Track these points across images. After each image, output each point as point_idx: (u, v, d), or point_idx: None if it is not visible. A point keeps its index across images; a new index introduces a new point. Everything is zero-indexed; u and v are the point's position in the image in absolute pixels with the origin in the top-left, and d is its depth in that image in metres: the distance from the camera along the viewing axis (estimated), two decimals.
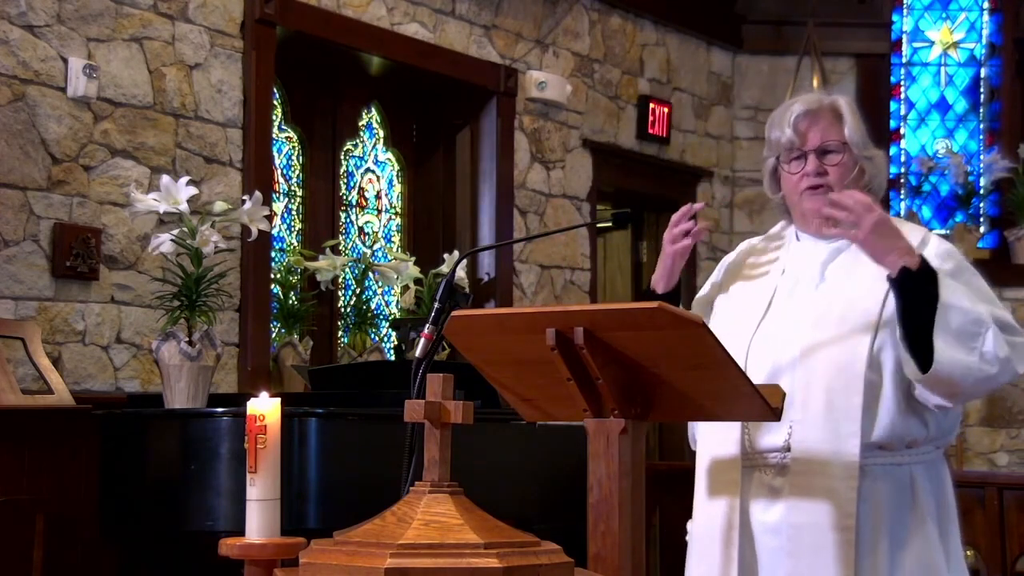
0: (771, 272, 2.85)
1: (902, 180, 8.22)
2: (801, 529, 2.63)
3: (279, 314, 5.27)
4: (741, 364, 2.55)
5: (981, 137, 8.28)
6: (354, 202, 6.02)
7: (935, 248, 2.72)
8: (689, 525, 2.87)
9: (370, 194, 6.12)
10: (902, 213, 8.14)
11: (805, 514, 2.64)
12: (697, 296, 3.00)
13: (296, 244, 5.67)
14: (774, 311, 2.76)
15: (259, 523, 2.12)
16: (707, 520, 2.76)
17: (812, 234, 2.84)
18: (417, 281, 5.52)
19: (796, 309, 2.73)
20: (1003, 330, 2.62)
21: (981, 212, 8.15)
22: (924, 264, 2.57)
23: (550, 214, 6.52)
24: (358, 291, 5.75)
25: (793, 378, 2.65)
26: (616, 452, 2.25)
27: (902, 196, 8.21)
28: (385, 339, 5.92)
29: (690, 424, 2.89)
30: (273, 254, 5.30)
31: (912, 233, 2.77)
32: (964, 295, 2.59)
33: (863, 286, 2.70)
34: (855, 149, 2.78)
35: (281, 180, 5.63)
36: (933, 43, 8.36)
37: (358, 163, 6.07)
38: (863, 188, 2.78)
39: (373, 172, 6.15)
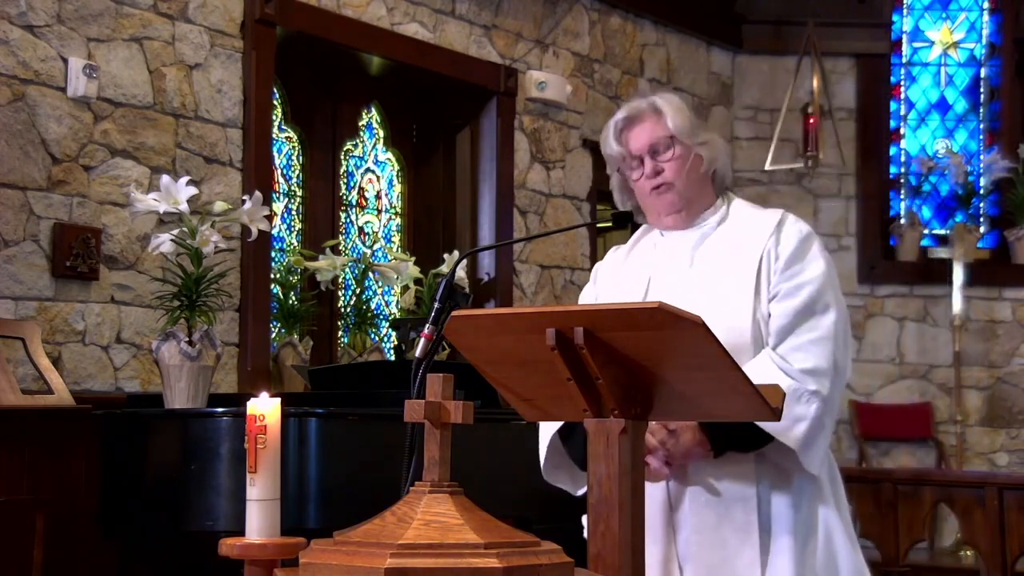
0: (643, 266, 2.89)
1: (902, 180, 8.23)
2: (702, 503, 2.66)
3: (279, 314, 5.27)
4: None
5: (981, 137, 8.29)
6: (354, 202, 6.03)
7: (786, 232, 2.76)
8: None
9: (370, 194, 6.12)
10: (902, 213, 8.14)
11: (706, 491, 2.66)
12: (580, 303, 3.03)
13: (296, 244, 5.67)
14: (650, 297, 2.79)
15: (259, 523, 2.12)
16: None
17: (673, 228, 2.87)
18: (417, 281, 5.52)
19: (671, 291, 2.75)
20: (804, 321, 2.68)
21: (981, 212, 8.16)
22: (713, 426, 2.60)
23: (550, 214, 6.52)
24: (358, 291, 5.75)
25: None
26: (616, 452, 2.25)
27: (902, 196, 8.21)
28: (385, 339, 5.92)
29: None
30: (273, 254, 5.30)
31: (770, 211, 2.83)
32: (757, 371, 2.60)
33: (735, 260, 2.75)
34: (685, 139, 2.80)
35: (281, 180, 5.63)
36: (933, 43, 8.36)
37: (358, 163, 6.07)
38: (705, 174, 2.84)
39: (373, 172, 6.15)
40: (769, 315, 2.70)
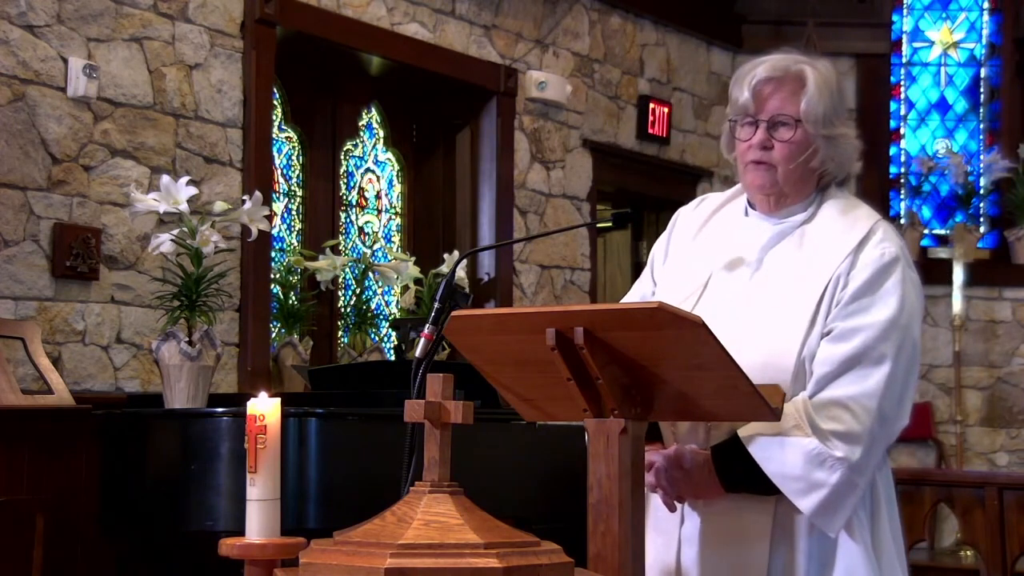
0: (711, 253, 2.67)
1: (902, 180, 8.23)
2: (712, 532, 2.54)
3: (279, 314, 5.27)
4: None
5: (981, 137, 8.29)
6: (354, 202, 6.03)
7: (865, 255, 2.51)
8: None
9: (370, 194, 6.12)
10: (902, 213, 8.14)
11: (718, 519, 2.54)
12: (655, 245, 2.85)
13: (296, 244, 5.67)
14: (706, 299, 2.61)
15: (259, 523, 2.13)
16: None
17: (760, 212, 2.65)
18: (417, 281, 5.52)
19: (725, 305, 2.57)
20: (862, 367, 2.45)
21: (981, 212, 8.16)
22: (727, 466, 2.47)
23: (550, 214, 6.52)
24: (358, 291, 5.75)
25: None
26: (616, 452, 2.25)
27: (902, 196, 8.21)
28: (385, 339, 5.92)
29: None
30: (273, 254, 5.30)
31: (860, 221, 2.58)
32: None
33: (801, 277, 2.53)
34: (811, 127, 2.54)
35: (281, 180, 5.63)
36: (933, 43, 8.36)
37: (358, 163, 6.07)
38: (813, 170, 2.58)
39: (373, 172, 6.15)
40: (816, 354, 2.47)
